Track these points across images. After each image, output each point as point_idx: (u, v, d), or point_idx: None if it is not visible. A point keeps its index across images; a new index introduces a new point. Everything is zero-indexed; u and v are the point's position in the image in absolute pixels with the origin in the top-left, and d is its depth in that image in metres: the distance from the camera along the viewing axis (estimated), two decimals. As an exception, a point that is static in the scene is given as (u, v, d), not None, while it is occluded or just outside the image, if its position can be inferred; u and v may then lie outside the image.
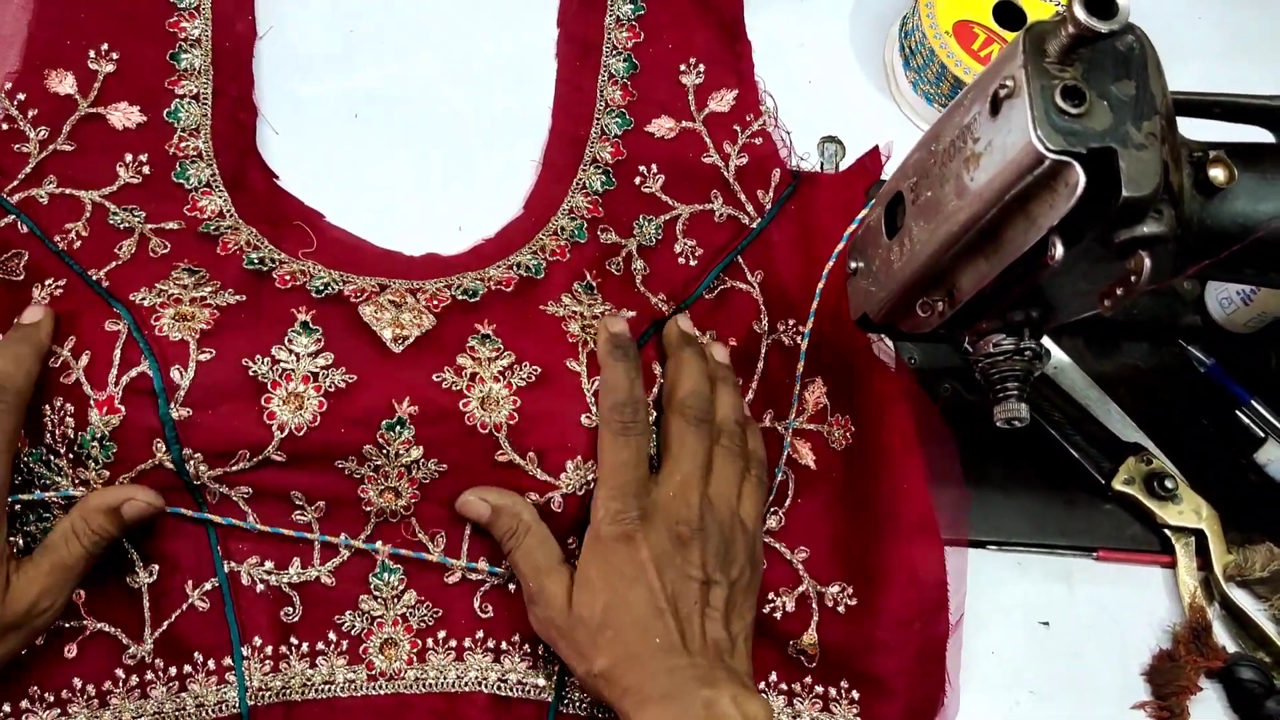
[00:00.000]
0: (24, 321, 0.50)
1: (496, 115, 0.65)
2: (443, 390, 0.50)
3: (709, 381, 0.54)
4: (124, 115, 0.58)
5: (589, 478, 0.51)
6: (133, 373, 0.48)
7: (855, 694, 0.54)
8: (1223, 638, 0.59)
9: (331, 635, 0.51)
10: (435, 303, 0.53)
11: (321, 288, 0.53)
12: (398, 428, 0.50)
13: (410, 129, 0.64)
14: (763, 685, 0.54)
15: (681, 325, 0.56)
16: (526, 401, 0.51)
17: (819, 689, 0.55)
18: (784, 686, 0.55)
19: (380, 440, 0.50)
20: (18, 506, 0.49)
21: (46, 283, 0.52)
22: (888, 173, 0.61)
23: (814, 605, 0.56)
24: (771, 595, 0.55)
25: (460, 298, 0.54)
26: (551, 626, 0.50)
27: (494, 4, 0.68)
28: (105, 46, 0.59)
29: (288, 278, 0.53)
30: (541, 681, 0.52)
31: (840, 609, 0.56)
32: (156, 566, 0.50)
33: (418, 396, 0.50)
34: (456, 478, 0.51)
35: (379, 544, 0.52)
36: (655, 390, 0.53)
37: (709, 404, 0.53)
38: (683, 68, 0.66)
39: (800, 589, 0.56)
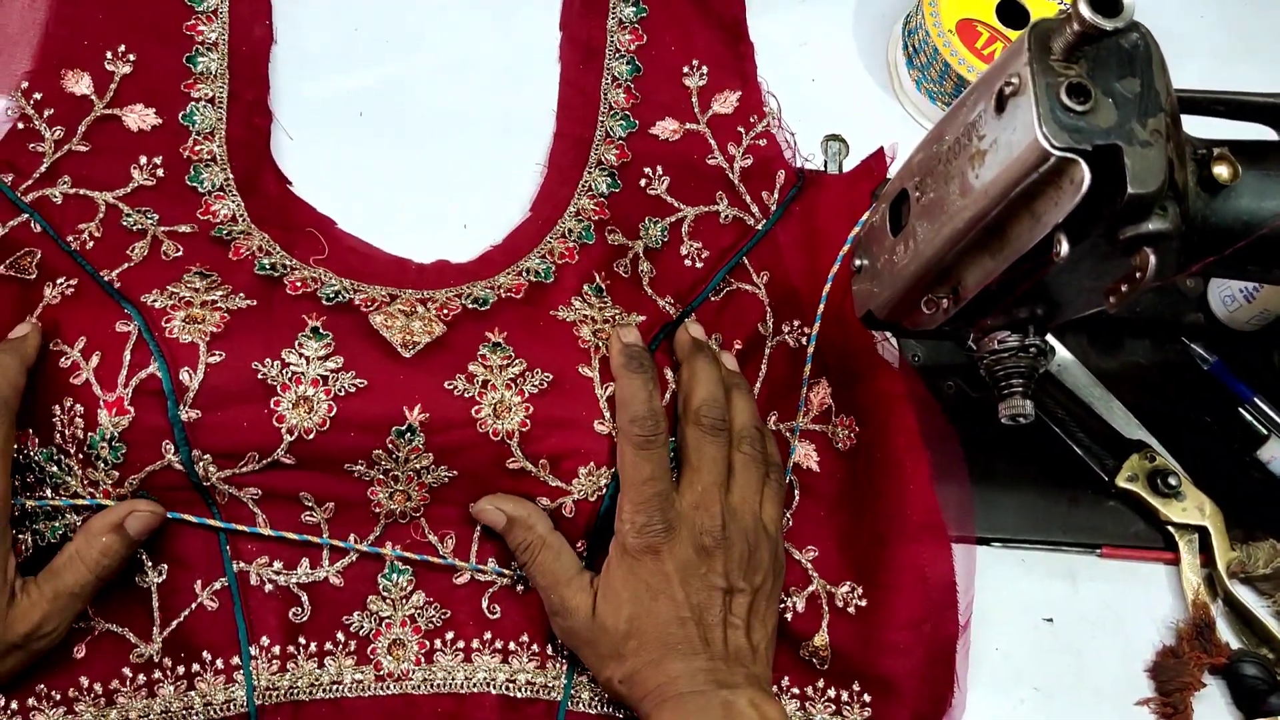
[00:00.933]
0: (11, 336, 0.50)
1: (499, 116, 0.65)
2: (454, 398, 0.50)
3: (723, 388, 0.54)
4: (139, 117, 0.58)
5: (601, 483, 0.51)
6: (142, 374, 0.48)
7: (867, 697, 0.54)
8: (1226, 634, 0.59)
9: (340, 635, 0.51)
10: (446, 312, 0.53)
11: (332, 295, 0.53)
12: (408, 434, 0.50)
13: (414, 129, 0.64)
14: (776, 689, 0.54)
15: (692, 332, 0.56)
16: (538, 409, 0.51)
17: (831, 692, 0.54)
18: (796, 690, 0.54)
19: (390, 446, 0.50)
20: (29, 506, 0.49)
21: (58, 282, 0.52)
22: (892, 172, 0.62)
23: (824, 606, 0.56)
24: (783, 595, 0.55)
25: (471, 306, 0.54)
26: (575, 636, 0.50)
27: (495, 6, 0.68)
28: (122, 48, 0.59)
29: (299, 284, 0.53)
30: (550, 682, 0.52)
31: (850, 610, 0.56)
32: (166, 566, 0.50)
33: (429, 404, 0.50)
34: (467, 483, 0.51)
35: (387, 546, 0.52)
36: (668, 396, 0.53)
37: (724, 411, 0.53)
38: (685, 70, 0.66)
39: (810, 588, 0.56)
